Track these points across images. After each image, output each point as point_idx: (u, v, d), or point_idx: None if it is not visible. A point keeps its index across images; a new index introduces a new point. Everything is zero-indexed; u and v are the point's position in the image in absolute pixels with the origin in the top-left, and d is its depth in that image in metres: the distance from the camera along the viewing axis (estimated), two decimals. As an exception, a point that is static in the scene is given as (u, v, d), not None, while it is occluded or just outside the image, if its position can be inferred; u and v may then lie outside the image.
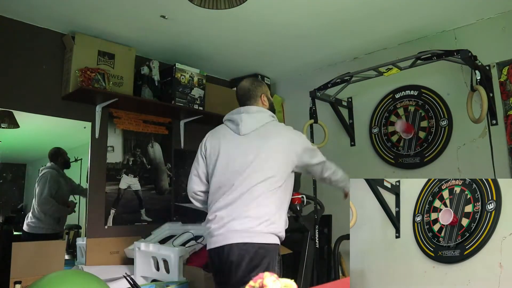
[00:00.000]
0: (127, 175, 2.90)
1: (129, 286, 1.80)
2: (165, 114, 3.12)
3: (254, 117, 1.88)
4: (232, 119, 1.94)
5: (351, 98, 3.24)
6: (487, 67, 2.53)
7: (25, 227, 2.57)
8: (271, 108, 2.01)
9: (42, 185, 2.63)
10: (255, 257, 1.68)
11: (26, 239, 2.53)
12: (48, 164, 2.68)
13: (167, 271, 2.32)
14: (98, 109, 2.76)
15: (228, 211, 1.76)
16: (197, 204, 2.05)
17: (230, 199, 1.77)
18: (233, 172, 1.80)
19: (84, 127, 2.73)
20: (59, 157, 2.71)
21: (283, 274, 1.76)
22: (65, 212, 2.74)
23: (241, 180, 1.77)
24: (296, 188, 2.24)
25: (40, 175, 2.65)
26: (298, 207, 2.51)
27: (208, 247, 1.82)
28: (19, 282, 2.04)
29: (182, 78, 2.95)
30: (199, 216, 2.93)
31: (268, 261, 1.70)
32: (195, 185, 1.99)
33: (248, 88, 1.97)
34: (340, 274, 2.69)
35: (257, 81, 2.04)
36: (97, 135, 2.76)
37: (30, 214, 2.58)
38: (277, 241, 1.76)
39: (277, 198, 1.77)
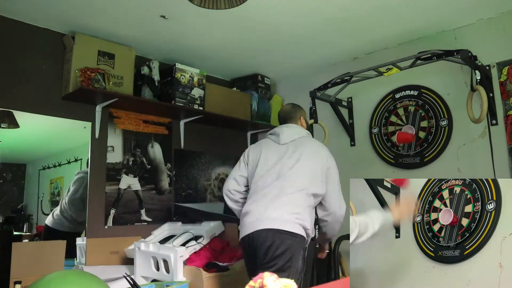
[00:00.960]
0: (127, 175, 2.90)
1: (129, 286, 1.80)
2: (165, 114, 3.12)
3: (293, 130, 2.18)
4: (274, 132, 2.22)
5: (351, 98, 3.24)
6: (487, 67, 2.53)
7: (49, 221, 2.65)
8: (308, 129, 2.34)
9: (78, 187, 2.73)
10: (282, 244, 1.84)
11: (48, 233, 2.63)
12: (85, 169, 2.74)
13: (167, 271, 2.32)
14: (98, 109, 2.76)
15: (263, 206, 1.95)
16: (229, 203, 2.24)
17: (266, 197, 1.97)
18: (271, 174, 2.03)
19: (84, 127, 2.73)
20: None
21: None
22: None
23: (277, 183, 1.99)
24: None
25: (76, 177, 2.77)
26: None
27: (241, 236, 2.02)
28: (19, 282, 2.04)
29: (182, 78, 2.95)
30: (199, 216, 2.94)
31: (293, 251, 1.86)
32: (231, 185, 2.21)
33: (290, 111, 2.31)
34: (340, 274, 2.69)
35: (297, 105, 2.36)
36: (97, 135, 2.76)
37: (57, 211, 2.68)
38: (304, 234, 1.93)
39: (307, 201, 1.97)
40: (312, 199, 1.99)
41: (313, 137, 2.83)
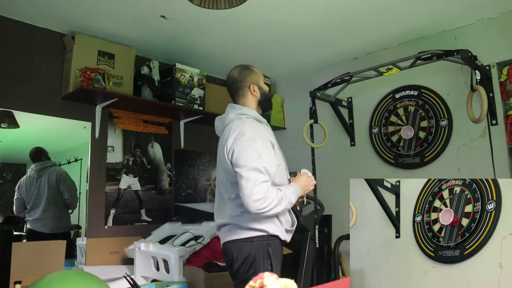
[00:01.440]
0: (127, 175, 2.90)
1: (129, 286, 1.80)
2: (165, 114, 3.12)
3: (223, 119, 1.84)
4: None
5: (351, 98, 3.24)
6: (487, 67, 2.53)
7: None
8: (265, 99, 1.89)
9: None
10: (240, 252, 1.70)
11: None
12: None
13: (167, 271, 2.32)
14: (98, 109, 2.76)
15: (217, 219, 1.84)
16: None
17: (216, 206, 1.86)
18: (217, 180, 1.89)
19: (84, 127, 2.73)
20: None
21: (283, 273, 1.75)
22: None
23: (218, 188, 1.84)
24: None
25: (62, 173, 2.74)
26: (298, 208, 2.51)
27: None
28: (19, 282, 2.04)
29: (182, 78, 2.95)
30: (199, 216, 2.94)
31: (253, 256, 1.68)
32: None
33: (236, 79, 1.85)
34: (340, 274, 2.69)
35: (246, 69, 1.87)
36: (97, 135, 2.76)
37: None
38: (260, 233, 1.69)
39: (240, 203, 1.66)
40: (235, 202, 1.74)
41: (313, 137, 2.84)
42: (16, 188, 2.58)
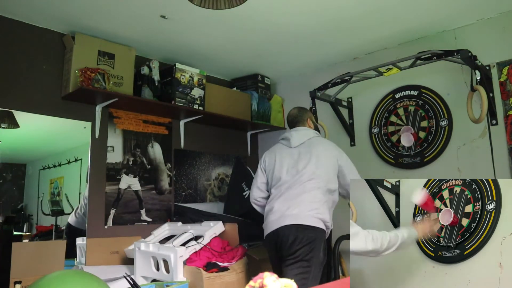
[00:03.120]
0: (127, 175, 2.90)
1: (129, 286, 1.80)
2: (165, 114, 3.12)
3: (301, 133, 2.34)
4: (285, 137, 2.39)
5: (351, 98, 3.24)
6: (487, 67, 2.53)
7: (71, 220, 2.68)
8: (316, 129, 2.46)
9: None
10: (304, 237, 2.04)
11: (71, 232, 2.67)
12: None
13: (167, 271, 2.32)
14: (98, 109, 2.76)
15: (285, 205, 2.14)
16: (257, 209, 2.44)
17: (286, 196, 2.16)
18: (288, 175, 2.21)
19: (84, 127, 2.73)
20: None
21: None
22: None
23: (294, 182, 2.17)
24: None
25: None
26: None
27: (266, 234, 2.21)
28: (19, 282, 2.04)
29: (182, 78, 2.95)
30: (199, 216, 2.94)
31: (315, 243, 2.04)
32: (256, 193, 2.40)
33: (297, 115, 2.44)
34: (340, 274, 2.69)
35: (303, 108, 2.50)
36: (97, 135, 2.76)
37: (78, 210, 2.70)
38: (324, 227, 2.12)
39: (324, 197, 2.15)
40: (328, 195, 2.17)
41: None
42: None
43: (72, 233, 2.66)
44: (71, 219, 2.69)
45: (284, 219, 2.11)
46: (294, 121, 2.45)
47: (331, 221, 2.19)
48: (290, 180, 2.20)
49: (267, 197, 2.35)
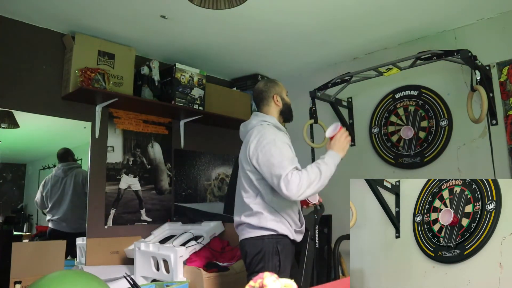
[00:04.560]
0: (127, 175, 2.90)
1: (129, 286, 1.80)
2: (165, 114, 3.12)
3: (247, 125, 2.03)
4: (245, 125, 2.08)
5: (351, 98, 3.24)
6: (487, 67, 2.53)
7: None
8: (286, 109, 2.08)
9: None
10: (252, 249, 1.87)
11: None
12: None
13: (167, 271, 2.32)
14: (98, 109, 2.76)
15: (235, 217, 1.98)
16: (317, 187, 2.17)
17: (235, 205, 2.00)
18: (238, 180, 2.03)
19: (84, 127, 2.73)
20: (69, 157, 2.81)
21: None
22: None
23: (238, 188, 2.00)
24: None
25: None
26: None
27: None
28: (19, 282, 2.04)
29: (182, 78, 2.95)
30: (199, 216, 2.94)
31: (263, 252, 1.84)
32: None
33: (261, 90, 2.06)
34: (340, 274, 2.69)
35: (271, 81, 2.09)
36: (97, 135, 2.76)
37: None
38: (271, 232, 1.85)
39: (257, 202, 1.88)
40: (259, 198, 1.88)
41: (313, 137, 2.84)
42: (41, 185, 2.68)
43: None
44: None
45: (238, 235, 1.97)
46: (257, 99, 2.07)
47: (282, 219, 1.86)
48: (237, 187, 2.02)
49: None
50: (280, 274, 1.54)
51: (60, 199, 2.70)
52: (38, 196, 2.67)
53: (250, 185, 1.90)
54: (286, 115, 2.10)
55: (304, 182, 1.71)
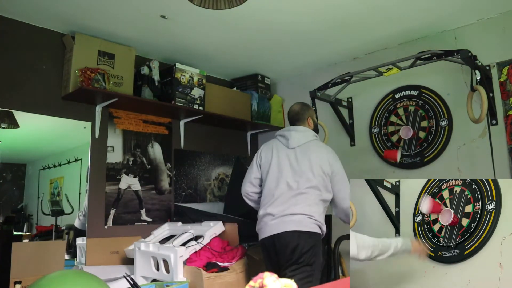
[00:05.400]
0: (127, 175, 2.90)
1: (129, 286, 1.80)
2: (165, 114, 3.12)
3: (301, 134, 2.28)
4: (283, 135, 2.32)
5: (351, 98, 3.24)
6: (487, 67, 2.53)
7: (76, 223, 2.70)
8: (315, 129, 2.40)
9: None
10: (306, 243, 2.06)
11: (77, 235, 2.68)
12: None
13: (167, 271, 2.32)
14: (98, 109, 2.76)
15: (281, 209, 2.13)
16: (249, 203, 2.42)
17: (282, 200, 2.15)
18: (284, 178, 2.18)
19: (84, 127, 2.73)
20: None
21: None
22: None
23: (291, 186, 2.16)
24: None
25: None
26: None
27: (262, 236, 2.20)
28: (19, 282, 2.04)
29: (182, 78, 2.95)
30: (199, 216, 2.94)
31: (316, 248, 2.09)
32: (248, 188, 2.37)
33: (298, 112, 2.37)
34: (340, 274, 2.69)
35: (305, 105, 2.42)
36: (97, 135, 2.76)
37: (80, 212, 2.71)
38: (320, 232, 2.15)
39: (319, 203, 2.16)
40: (322, 202, 2.18)
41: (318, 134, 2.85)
42: None
43: (78, 235, 2.67)
44: (76, 222, 2.70)
45: (285, 224, 2.10)
46: (294, 118, 2.38)
47: (324, 224, 2.21)
48: (286, 183, 2.18)
49: (259, 192, 2.32)
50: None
51: None
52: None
53: (323, 186, 2.17)
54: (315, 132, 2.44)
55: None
